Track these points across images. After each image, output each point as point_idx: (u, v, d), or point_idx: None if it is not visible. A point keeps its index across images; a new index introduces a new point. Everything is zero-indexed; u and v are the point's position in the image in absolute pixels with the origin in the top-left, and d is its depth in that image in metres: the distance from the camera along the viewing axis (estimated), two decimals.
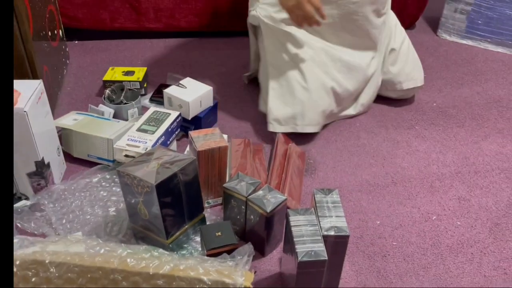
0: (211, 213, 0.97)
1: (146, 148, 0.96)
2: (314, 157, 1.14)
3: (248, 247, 0.76)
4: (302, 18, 1.04)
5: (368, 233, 0.95)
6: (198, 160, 0.92)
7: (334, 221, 0.78)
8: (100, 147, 1.04)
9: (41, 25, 1.16)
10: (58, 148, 1.03)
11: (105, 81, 1.29)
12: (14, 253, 0.67)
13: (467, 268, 0.89)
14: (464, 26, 1.57)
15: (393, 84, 1.29)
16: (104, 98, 1.21)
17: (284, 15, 1.13)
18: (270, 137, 1.20)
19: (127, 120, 1.17)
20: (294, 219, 0.78)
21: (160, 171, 0.80)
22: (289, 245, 0.77)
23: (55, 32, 1.31)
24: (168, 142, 1.05)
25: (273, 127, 1.16)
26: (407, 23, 1.68)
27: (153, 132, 1.01)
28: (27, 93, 0.89)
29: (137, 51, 1.56)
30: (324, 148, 1.18)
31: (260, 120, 1.27)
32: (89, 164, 1.06)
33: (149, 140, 0.98)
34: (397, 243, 0.94)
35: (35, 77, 1.09)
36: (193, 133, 0.96)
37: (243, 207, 0.88)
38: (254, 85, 1.40)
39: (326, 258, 0.72)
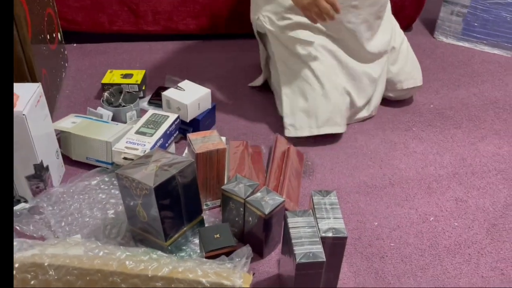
0: (210, 215, 0.97)
1: (145, 151, 0.96)
2: (312, 159, 1.15)
3: (246, 249, 0.76)
4: (317, 15, 1.04)
5: (366, 234, 0.96)
6: (197, 162, 0.92)
7: (332, 222, 0.78)
8: (98, 150, 1.04)
9: (39, 28, 1.17)
10: (57, 151, 1.03)
11: (103, 84, 1.29)
12: (13, 256, 0.68)
13: (464, 268, 0.90)
14: (460, 28, 1.58)
15: (393, 84, 1.30)
16: (102, 101, 1.21)
17: (288, 21, 1.14)
18: (268, 139, 1.21)
19: (125, 122, 1.17)
20: (292, 221, 0.78)
21: (159, 173, 0.81)
22: (287, 247, 0.78)
23: (54, 35, 1.31)
24: (167, 145, 1.06)
25: (289, 132, 1.18)
26: (404, 25, 1.69)
27: (152, 135, 1.01)
28: (26, 96, 0.89)
29: (135, 54, 1.56)
30: (322, 150, 1.18)
31: (258, 122, 1.28)
32: (88, 166, 1.07)
33: (147, 143, 0.98)
34: (395, 244, 0.94)
35: (33, 80, 1.09)
36: (191, 136, 0.96)
37: (241, 209, 0.88)
38: (252, 88, 1.41)
39: (324, 260, 0.72)
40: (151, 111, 1.09)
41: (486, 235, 0.97)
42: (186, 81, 1.21)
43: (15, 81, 0.93)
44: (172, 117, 1.07)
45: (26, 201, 0.96)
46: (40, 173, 0.94)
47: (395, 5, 1.32)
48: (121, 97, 1.23)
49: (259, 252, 0.89)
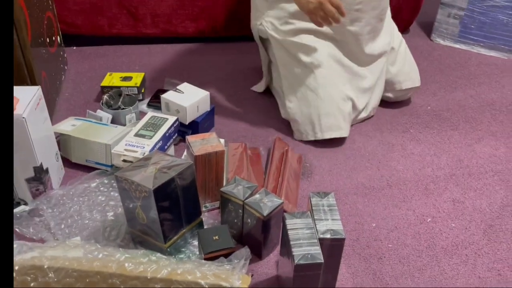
0: (209, 217, 0.98)
1: (144, 153, 0.97)
2: (311, 161, 1.16)
3: (245, 251, 0.77)
4: (323, 19, 1.05)
5: (364, 235, 0.97)
6: (195, 164, 0.93)
7: (330, 224, 0.79)
8: (98, 152, 1.05)
9: (39, 31, 1.17)
10: (56, 154, 1.03)
11: (103, 87, 1.30)
12: (13, 258, 0.68)
13: (461, 269, 0.90)
14: (457, 31, 1.58)
15: (392, 84, 1.31)
16: (102, 103, 1.22)
17: (291, 26, 1.15)
18: (267, 141, 1.21)
19: (125, 125, 1.18)
20: (291, 223, 0.79)
21: (158, 176, 0.81)
22: (286, 248, 0.78)
23: (53, 38, 1.32)
24: (166, 147, 1.06)
25: (296, 135, 1.22)
26: (401, 28, 1.70)
27: (151, 137, 1.02)
28: (26, 99, 0.90)
29: (134, 57, 1.57)
30: (320, 152, 1.19)
31: (257, 124, 1.28)
32: (88, 169, 1.07)
33: (146, 145, 0.99)
34: (392, 245, 0.95)
35: (33, 83, 1.10)
36: (190, 138, 0.97)
37: (240, 211, 0.89)
38: (251, 90, 1.41)
39: (322, 261, 0.73)
40: (150, 113, 1.10)
41: (483, 236, 0.97)
42: (185, 83, 1.22)
43: (15, 84, 0.94)
44: (171, 119, 1.08)
45: (26, 204, 0.96)
46: (39, 175, 0.94)
47: (393, 8, 1.33)
48: (121, 99, 1.23)
49: (257, 254, 0.90)
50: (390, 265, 0.91)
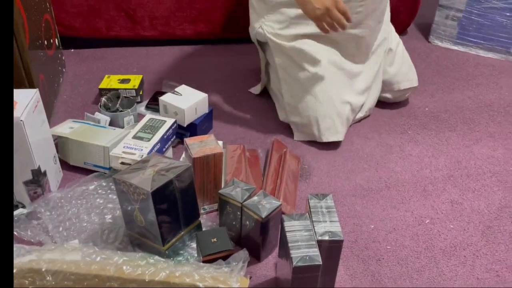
0: (207, 219, 0.98)
1: (142, 156, 0.97)
2: (309, 163, 1.16)
3: (243, 253, 0.77)
4: (330, 25, 1.04)
5: (362, 237, 0.97)
6: (194, 167, 0.93)
7: (328, 226, 0.79)
8: (96, 155, 1.05)
9: (37, 34, 1.17)
10: (54, 156, 1.03)
11: (101, 89, 1.30)
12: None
13: (460, 271, 0.90)
14: (455, 33, 1.59)
15: (390, 85, 1.32)
16: (100, 106, 1.22)
17: (291, 31, 1.15)
18: (265, 143, 1.21)
19: (123, 127, 1.18)
20: (289, 225, 0.79)
21: (156, 178, 0.81)
22: (284, 250, 0.78)
23: (51, 41, 1.32)
24: (164, 149, 1.06)
25: (296, 136, 1.23)
26: (399, 30, 1.70)
27: (149, 140, 1.02)
28: (24, 102, 0.90)
29: (133, 59, 1.57)
30: (319, 153, 1.19)
31: (255, 126, 1.28)
32: (86, 171, 1.07)
33: (144, 148, 0.99)
34: (391, 247, 0.95)
35: (31, 86, 1.10)
36: (188, 140, 0.97)
37: (238, 213, 0.89)
38: (249, 92, 1.42)
39: (321, 263, 0.73)
40: (148, 116, 1.10)
41: (481, 237, 0.98)
42: (183, 85, 1.22)
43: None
44: (169, 121, 1.08)
45: (24, 207, 0.96)
46: (37, 178, 0.94)
47: (390, 10, 1.34)
48: (119, 102, 1.23)
49: (256, 256, 0.90)
50: (388, 267, 0.91)
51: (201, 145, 0.95)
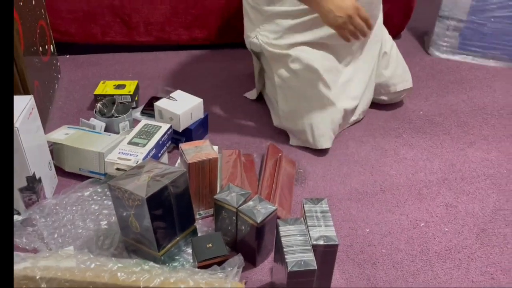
0: (203, 224, 0.98)
1: (137, 161, 0.97)
2: (304, 167, 1.16)
3: (238, 259, 0.77)
4: (351, 33, 1.05)
5: (357, 241, 0.97)
6: (189, 172, 0.93)
7: (323, 230, 0.79)
8: (91, 161, 1.05)
9: (32, 40, 1.17)
10: (49, 163, 1.03)
11: (96, 95, 1.30)
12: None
13: (455, 274, 0.91)
14: (456, 43, 1.56)
15: (386, 87, 1.33)
16: (95, 111, 1.22)
17: (286, 41, 1.16)
18: (260, 147, 1.22)
19: (118, 133, 1.18)
20: (284, 229, 0.79)
21: (151, 184, 0.81)
22: (279, 255, 0.78)
23: (46, 47, 1.32)
24: (159, 155, 1.06)
25: (291, 141, 1.23)
26: (393, 34, 1.71)
27: (144, 145, 1.02)
28: (18, 109, 0.90)
29: (128, 65, 1.57)
30: (314, 158, 1.19)
31: (251, 130, 1.29)
32: (81, 177, 1.07)
33: (140, 153, 0.99)
34: (386, 251, 0.95)
35: (26, 92, 1.10)
36: (183, 146, 0.97)
37: (234, 218, 0.89)
38: (244, 97, 1.42)
39: (316, 268, 0.73)
40: (144, 121, 1.10)
41: (476, 240, 0.98)
42: (179, 91, 1.22)
43: None
44: (165, 127, 1.08)
45: (19, 213, 0.96)
46: (32, 185, 0.94)
47: (384, 13, 1.35)
48: (114, 107, 1.23)
49: (252, 261, 0.90)
50: (384, 270, 0.91)
51: (196, 151, 0.95)
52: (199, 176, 0.95)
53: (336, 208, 1.04)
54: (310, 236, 0.78)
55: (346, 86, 1.23)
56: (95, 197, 1.00)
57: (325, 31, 1.15)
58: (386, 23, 1.37)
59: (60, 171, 1.09)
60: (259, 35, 1.19)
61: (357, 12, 1.02)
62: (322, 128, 1.17)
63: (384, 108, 1.38)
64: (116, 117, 1.21)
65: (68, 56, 1.60)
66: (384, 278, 0.89)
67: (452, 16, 1.53)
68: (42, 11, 1.31)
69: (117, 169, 0.97)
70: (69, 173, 1.09)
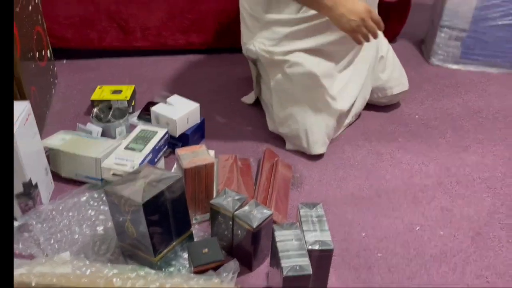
0: (199, 229, 0.98)
1: (134, 167, 0.97)
2: (300, 171, 1.16)
3: (233, 264, 0.77)
4: (364, 36, 1.05)
5: (353, 245, 0.97)
6: (185, 177, 0.93)
7: (319, 235, 0.80)
8: (88, 166, 1.05)
9: (28, 46, 1.18)
10: (46, 168, 1.03)
11: (93, 101, 1.30)
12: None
13: (450, 277, 0.91)
14: (458, 52, 1.55)
15: (384, 90, 1.35)
16: (92, 117, 1.22)
17: (282, 48, 1.17)
18: (257, 152, 1.22)
19: (115, 138, 1.18)
20: (280, 234, 0.80)
21: (147, 189, 0.82)
22: (275, 260, 0.79)
23: (43, 52, 1.32)
24: (156, 160, 1.07)
25: (287, 146, 1.23)
26: (389, 38, 1.72)
27: (141, 150, 1.02)
28: (15, 114, 0.90)
29: (125, 69, 1.58)
30: (310, 162, 1.20)
31: (247, 135, 1.29)
32: (78, 183, 1.07)
33: (136, 159, 0.99)
34: (382, 255, 0.95)
35: (22, 98, 1.10)
36: (179, 151, 0.98)
37: (230, 223, 0.89)
38: (241, 102, 1.43)
39: (311, 273, 0.73)
40: (140, 126, 1.10)
41: (471, 243, 0.99)
42: (175, 95, 1.23)
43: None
44: (161, 132, 1.09)
45: (15, 219, 0.96)
46: (29, 191, 0.94)
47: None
48: (110, 113, 1.24)
49: (248, 265, 0.90)
50: (379, 274, 0.91)
51: (193, 156, 0.96)
52: (195, 181, 0.95)
53: (332, 212, 1.05)
54: (305, 241, 0.78)
55: (341, 90, 1.24)
56: (91, 202, 1.00)
57: (322, 38, 1.16)
58: None
59: (57, 176, 1.09)
60: (256, 42, 1.20)
61: (369, 15, 1.03)
62: (317, 133, 1.18)
63: (380, 112, 1.39)
64: (113, 122, 1.21)
65: (65, 61, 1.60)
66: (380, 282, 0.90)
67: (454, 25, 1.52)
68: (39, 17, 1.32)
69: (114, 174, 0.97)
70: (65, 179, 1.09)
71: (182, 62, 1.63)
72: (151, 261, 0.85)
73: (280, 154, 1.20)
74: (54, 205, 0.98)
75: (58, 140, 1.10)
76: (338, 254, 0.94)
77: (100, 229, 0.94)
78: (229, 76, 1.55)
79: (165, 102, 1.19)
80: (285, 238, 0.79)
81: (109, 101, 1.28)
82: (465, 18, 1.49)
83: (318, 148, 1.19)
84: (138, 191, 0.81)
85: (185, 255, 0.91)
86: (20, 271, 0.70)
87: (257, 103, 1.40)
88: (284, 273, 0.73)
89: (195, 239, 0.94)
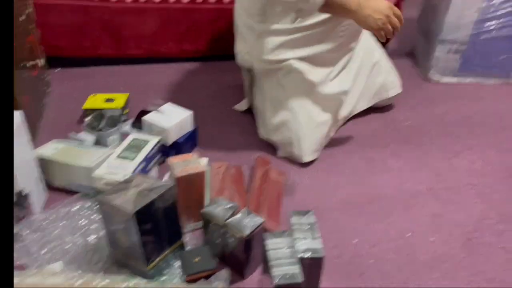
0: (192, 237, 0.98)
1: (126, 176, 0.97)
2: (293, 178, 1.17)
3: (224, 273, 0.77)
4: (388, 32, 1.06)
5: (345, 252, 0.98)
6: (177, 186, 0.94)
7: (310, 243, 0.80)
8: (80, 176, 1.05)
9: (21, 56, 1.18)
10: (38, 178, 1.03)
11: (85, 109, 1.31)
12: None
13: (441, 283, 0.92)
14: (457, 65, 1.56)
15: (379, 94, 1.38)
16: (84, 125, 1.22)
17: (276, 57, 1.18)
18: (250, 159, 1.23)
19: (108, 147, 1.18)
20: (271, 242, 0.80)
21: (138, 198, 0.82)
22: (267, 268, 0.79)
23: (36, 62, 1.33)
24: (148, 169, 1.07)
25: (279, 153, 1.24)
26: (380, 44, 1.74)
27: (133, 159, 1.02)
28: None
29: (119, 78, 1.58)
30: (302, 168, 1.20)
31: (240, 142, 1.30)
32: (70, 192, 1.07)
33: (128, 168, 1.00)
34: (373, 261, 0.96)
35: (15, 108, 1.10)
36: (171, 159, 0.98)
37: (222, 231, 0.90)
38: (234, 109, 1.43)
39: (302, 281, 0.74)
40: (132, 135, 1.11)
41: (462, 249, 0.99)
42: (168, 104, 1.23)
43: None
44: (153, 140, 1.09)
45: None
46: (21, 200, 0.94)
47: None
48: (103, 121, 1.24)
49: (240, 273, 0.90)
50: (371, 281, 0.92)
51: (184, 164, 0.96)
52: (187, 190, 0.96)
53: (324, 219, 1.05)
54: (296, 249, 0.79)
55: (335, 97, 1.25)
56: (83, 211, 1.00)
57: (317, 47, 1.18)
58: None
59: (50, 185, 1.09)
60: (251, 51, 1.21)
61: (392, 11, 1.05)
62: (309, 141, 1.19)
63: (371, 119, 1.40)
64: (106, 131, 1.21)
65: (58, 69, 1.60)
66: None
67: (454, 39, 1.51)
68: (31, 26, 1.32)
69: (106, 183, 0.97)
70: (58, 188, 1.09)
71: (176, 70, 1.64)
72: (144, 270, 0.85)
73: (272, 161, 1.20)
74: (46, 214, 0.98)
75: (51, 149, 1.10)
76: (330, 260, 0.95)
77: (92, 238, 0.94)
78: (222, 84, 1.56)
79: (158, 111, 1.20)
80: (276, 246, 0.79)
81: (101, 109, 1.29)
82: (465, 31, 1.49)
83: (309, 155, 1.20)
84: (130, 200, 0.81)
85: (178, 263, 0.91)
86: None
87: (249, 110, 1.41)
88: (275, 282, 0.73)
89: (188, 248, 0.94)
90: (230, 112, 1.42)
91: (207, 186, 1.01)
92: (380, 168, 1.22)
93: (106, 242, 0.90)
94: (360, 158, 1.25)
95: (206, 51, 1.67)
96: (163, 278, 0.88)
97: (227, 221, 0.88)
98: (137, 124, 1.29)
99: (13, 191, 0.92)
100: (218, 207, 0.91)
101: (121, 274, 0.77)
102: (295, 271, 0.74)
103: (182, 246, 0.92)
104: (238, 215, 0.89)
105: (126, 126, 1.30)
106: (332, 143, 1.30)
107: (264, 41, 1.18)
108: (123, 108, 1.32)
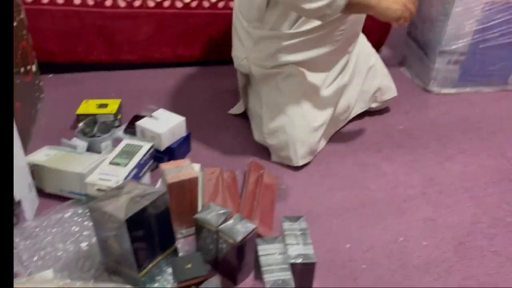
0: (185, 243, 0.98)
1: (118, 182, 0.97)
2: (286, 183, 1.17)
3: (215, 280, 0.77)
4: (407, 19, 1.08)
5: (338, 256, 0.98)
6: (169, 192, 0.93)
7: (301, 248, 0.80)
8: (72, 182, 1.05)
9: (14, 62, 1.18)
10: (30, 185, 1.03)
11: (78, 115, 1.30)
12: None
13: (434, 287, 0.92)
14: (457, 76, 1.56)
15: (375, 97, 1.40)
16: (77, 131, 1.22)
17: (274, 62, 1.18)
18: (243, 164, 1.23)
19: (100, 153, 1.18)
20: (262, 248, 0.80)
21: (130, 205, 0.82)
22: (259, 274, 0.79)
23: (28, 67, 1.32)
24: (141, 175, 1.07)
25: (273, 158, 1.24)
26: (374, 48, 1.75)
27: (125, 165, 1.02)
28: None
29: (112, 83, 1.58)
30: (295, 173, 1.21)
31: (233, 147, 1.30)
32: (62, 198, 1.07)
33: (121, 174, 0.99)
34: (366, 266, 0.96)
35: None
36: (164, 165, 0.98)
37: (214, 237, 0.90)
38: (228, 114, 1.43)
39: (293, 287, 0.73)
40: (125, 141, 1.10)
41: (454, 253, 1.00)
42: (161, 109, 1.23)
43: None
44: (146, 146, 1.09)
45: None
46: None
47: (362, 29, 1.38)
48: (96, 127, 1.24)
49: (233, 279, 0.90)
50: (364, 285, 0.92)
51: (177, 170, 0.96)
52: (179, 196, 0.95)
53: (317, 223, 1.05)
54: (288, 255, 0.79)
55: (334, 94, 1.25)
56: (75, 218, 0.99)
57: (315, 51, 1.18)
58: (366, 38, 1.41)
59: (41, 192, 1.09)
60: (249, 56, 1.21)
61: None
62: (305, 145, 1.19)
63: (364, 123, 1.41)
64: (98, 136, 1.21)
65: (51, 75, 1.60)
66: None
67: (454, 50, 1.52)
68: (24, 32, 1.32)
69: (98, 190, 0.97)
70: (50, 194, 1.09)
71: (170, 75, 1.64)
72: (135, 277, 0.85)
73: (266, 166, 1.20)
74: (38, 221, 0.98)
75: (43, 155, 1.10)
76: (323, 265, 0.95)
77: (84, 245, 0.94)
78: (216, 89, 1.56)
79: (151, 116, 1.20)
80: (268, 252, 0.79)
81: (94, 115, 1.28)
82: (465, 41, 1.50)
83: (303, 159, 1.20)
84: (121, 207, 0.81)
85: (170, 270, 0.91)
86: None
87: (243, 115, 1.41)
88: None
89: (181, 254, 0.94)
90: (224, 116, 1.42)
91: (200, 192, 1.01)
92: (373, 173, 1.22)
93: (97, 249, 0.90)
94: (354, 163, 1.26)
95: (201, 56, 1.67)
96: (155, 285, 0.87)
97: (220, 227, 0.88)
98: (130, 129, 1.29)
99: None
100: (210, 213, 0.91)
101: (113, 282, 0.77)
102: (286, 277, 0.74)
103: (174, 252, 0.92)
104: (231, 221, 0.89)
105: (119, 132, 1.30)
106: (326, 147, 1.30)
107: (262, 47, 1.18)
108: (116, 113, 1.32)
